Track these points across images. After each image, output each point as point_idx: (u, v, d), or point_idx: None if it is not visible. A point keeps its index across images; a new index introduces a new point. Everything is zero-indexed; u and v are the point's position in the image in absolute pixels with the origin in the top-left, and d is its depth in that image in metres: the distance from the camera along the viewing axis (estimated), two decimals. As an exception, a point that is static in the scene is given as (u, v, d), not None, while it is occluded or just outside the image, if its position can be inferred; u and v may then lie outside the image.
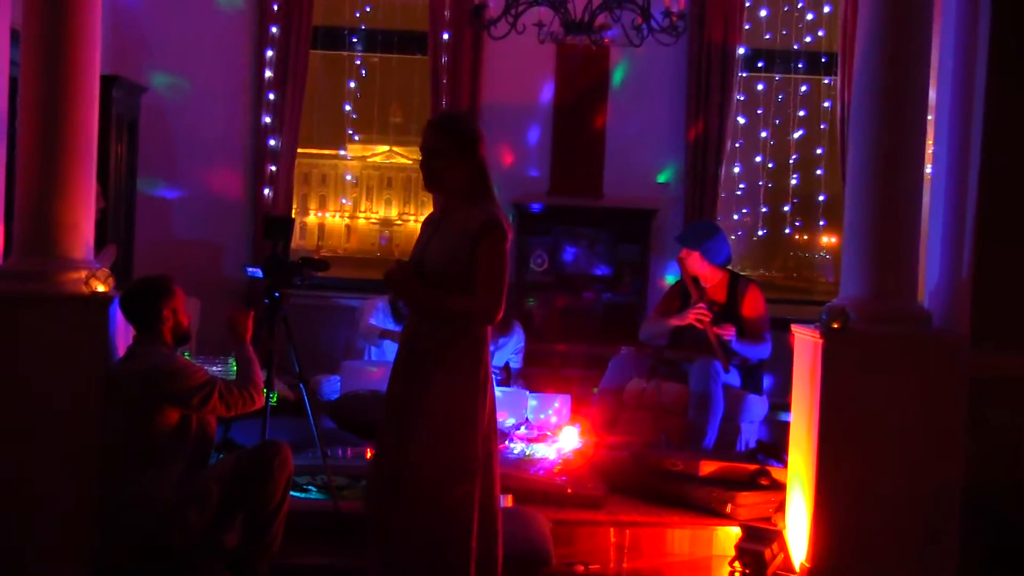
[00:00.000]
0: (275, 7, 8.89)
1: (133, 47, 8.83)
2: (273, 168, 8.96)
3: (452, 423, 4.22)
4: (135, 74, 8.60)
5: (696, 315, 6.88)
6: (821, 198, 9.32)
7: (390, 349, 8.00)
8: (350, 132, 9.77)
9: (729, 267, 7.24)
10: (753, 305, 7.01)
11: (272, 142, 8.95)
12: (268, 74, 8.93)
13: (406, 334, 4.44)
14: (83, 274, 4.87)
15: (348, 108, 9.44)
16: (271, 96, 8.94)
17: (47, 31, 4.89)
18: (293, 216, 9.28)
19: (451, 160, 4.32)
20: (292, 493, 5.03)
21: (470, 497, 4.21)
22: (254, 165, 9.00)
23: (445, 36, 8.90)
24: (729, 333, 6.83)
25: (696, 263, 7.07)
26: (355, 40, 9.24)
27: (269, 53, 8.92)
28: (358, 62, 9.35)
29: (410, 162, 12.07)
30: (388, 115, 10.17)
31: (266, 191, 8.95)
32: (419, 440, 4.21)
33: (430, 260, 4.33)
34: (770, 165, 9.35)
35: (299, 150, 9.18)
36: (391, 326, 7.85)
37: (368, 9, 9.25)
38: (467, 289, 4.25)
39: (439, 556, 4.19)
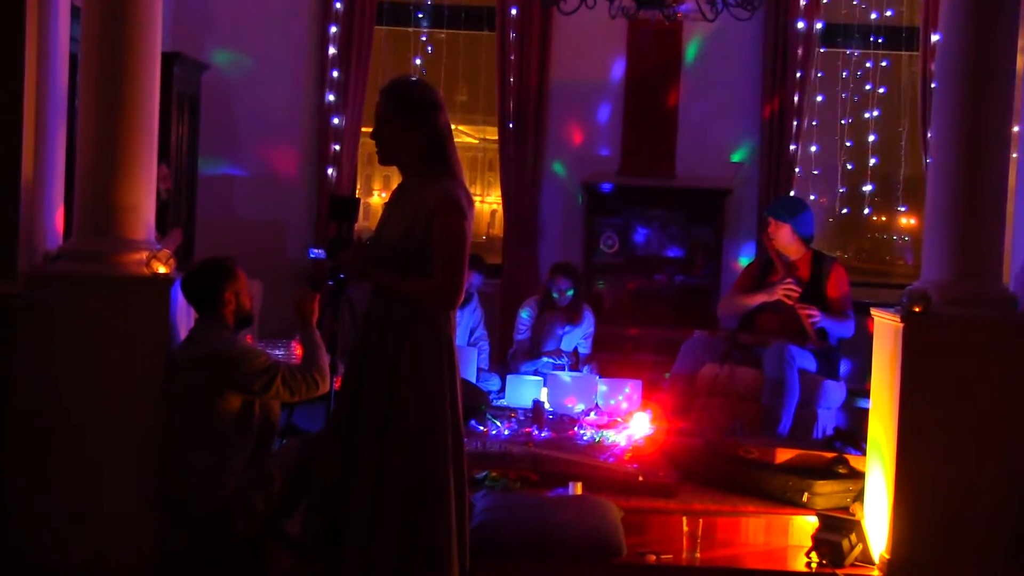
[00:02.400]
0: (339, -18, 8.82)
1: (194, 23, 8.80)
2: (337, 147, 8.90)
3: (416, 407, 4.05)
4: (196, 51, 8.56)
5: (785, 290, 6.82)
6: (901, 178, 9.13)
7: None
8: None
9: (812, 245, 7.15)
10: (838, 283, 6.94)
11: (336, 120, 8.88)
12: (332, 51, 8.85)
13: (366, 312, 4.25)
14: (144, 255, 4.85)
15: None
16: (335, 73, 8.86)
17: (108, 7, 4.85)
18: (357, 196, 9.23)
19: (401, 129, 4.11)
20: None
21: (444, 484, 4.05)
22: (317, 144, 8.94)
23: (513, 11, 8.83)
24: (816, 316, 6.76)
25: (785, 236, 7.00)
26: (421, 16, 9.16)
27: (333, 29, 8.84)
28: (424, 38, 9.27)
29: (476, 141, 11.99)
30: (454, 93, 10.04)
31: (330, 171, 8.89)
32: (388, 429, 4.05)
33: (387, 240, 4.15)
34: (848, 144, 9.21)
35: (363, 129, 9.10)
36: None
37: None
38: (425, 270, 4.06)
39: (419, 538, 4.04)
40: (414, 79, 4.31)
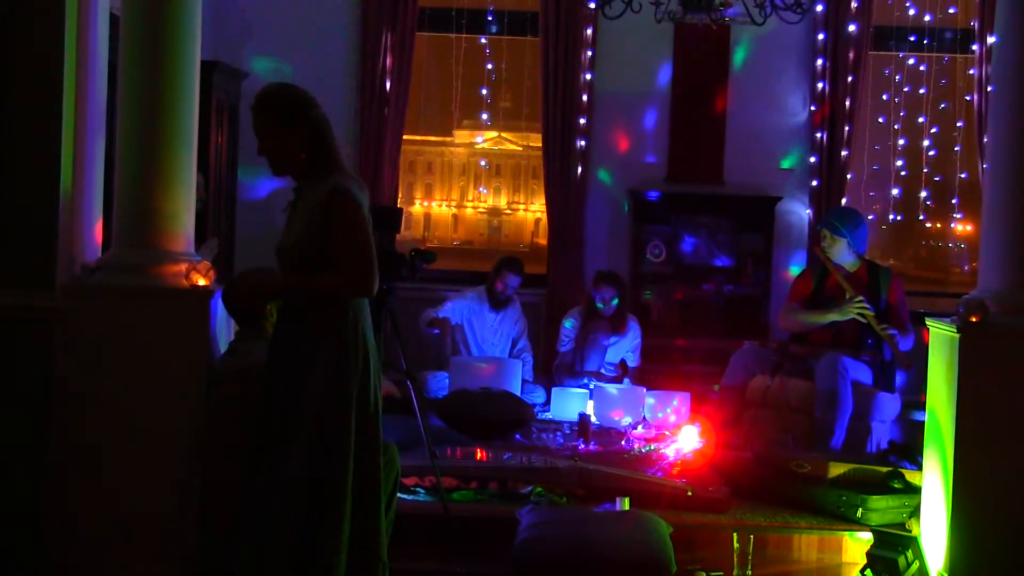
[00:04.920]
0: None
1: (234, 31, 8.83)
2: (378, 156, 8.86)
3: (321, 406, 4.00)
4: (235, 59, 8.60)
5: (858, 310, 6.71)
6: (956, 184, 9.03)
7: (487, 345, 7.96)
8: (457, 118, 9.64)
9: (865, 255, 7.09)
10: (897, 296, 6.86)
11: (377, 128, 8.85)
12: (372, 58, 8.83)
13: (274, 335, 4.21)
14: (183, 267, 4.82)
15: (455, 93, 9.29)
16: (375, 81, 8.82)
17: (147, 16, 4.83)
18: (400, 206, 9.19)
19: (282, 136, 4.08)
20: (400, 495, 4.93)
21: (340, 484, 4.00)
22: (359, 152, 8.90)
23: (557, 16, 8.76)
24: (896, 334, 6.68)
25: (840, 251, 6.89)
26: (463, 21, 9.12)
27: (374, 36, 8.81)
28: (466, 44, 9.24)
29: (520, 148, 11.98)
30: (497, 100, 10.01)
31: (371, 180, 8.82)
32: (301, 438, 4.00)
33: (287, 247, 4.12)
34: (901, 149, 9.12)
35: (405, 137, 9.09)
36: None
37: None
38: (329, 267, 4.02)
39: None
40: (277, 83, 4.25)
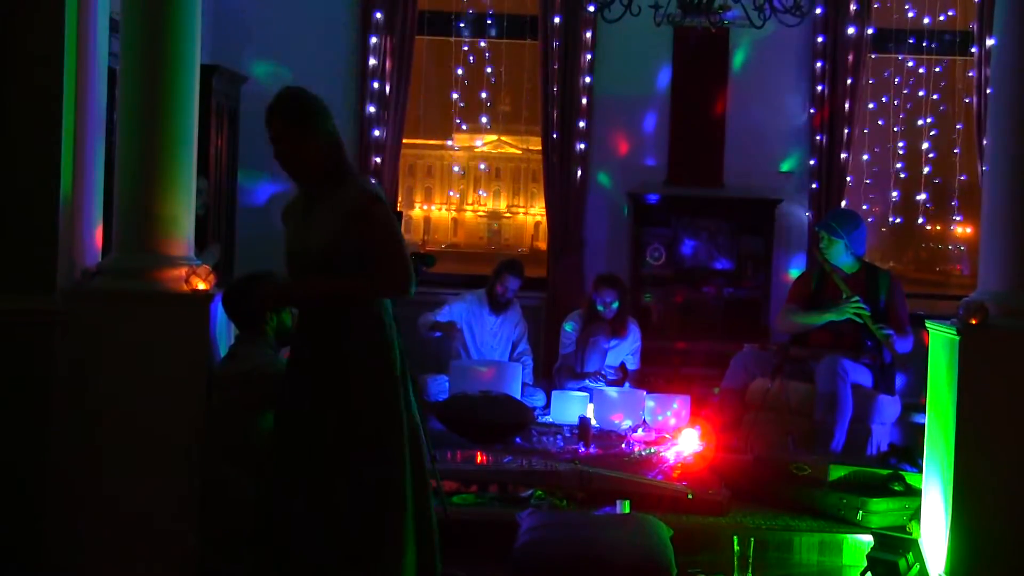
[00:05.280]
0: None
1: (233, 36, 8.83)
2: (378, 159, 8.87)
3: (370, 414, 4.06)
4: (235, 63, 8.59)
5: (855, 310, 6.72)
6: (956, 186, 9.03)
7: (487, 348, 7.95)
8: (457, 121, 9.64)
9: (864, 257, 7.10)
10: (896, 297, 6.87)
11: (377, 132, 8.85)
12: (372, 62, 8.82)
13: (296, 342, 4.23)
14: (183, 271, 4.82)
15: (455, 96, 9.31)
16: (375, 85, 8.83)
17: (147, 20, 4.85)
18: (399, 210, 9.18)
19: (301, 140, 4.10)
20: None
21: (400, 484, 4.06)
22: (358, 156, 8.88)
23: (556, 20, 8.78)
24: (892, 334, 6.70)
25: (838, 253, 6.90)
26: (462, 25, 9.13)
27: (374, 40, 8.82)
28: (465, 48, 9.26)
29: (519, 152, 11.96)
30: (497, 103, 10.02)
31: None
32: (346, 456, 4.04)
33: (309, 251, 4.11)
34: (901, 152, 9.13)
35: (404, 140, 9.10)
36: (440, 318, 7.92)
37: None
38: (358, 270, 4.07)
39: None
40: (294, 88, 4.25)
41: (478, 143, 12.88)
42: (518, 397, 7.31)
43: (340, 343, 4.06)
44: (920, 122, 9.07)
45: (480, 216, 13.47)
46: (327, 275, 4.07)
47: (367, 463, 4.03)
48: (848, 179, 8.86)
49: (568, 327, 7.96)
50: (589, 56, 8.82)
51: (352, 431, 4.02)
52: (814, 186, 8.82)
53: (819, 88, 8.82)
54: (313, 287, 4.12)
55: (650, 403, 7.27)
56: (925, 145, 9.05)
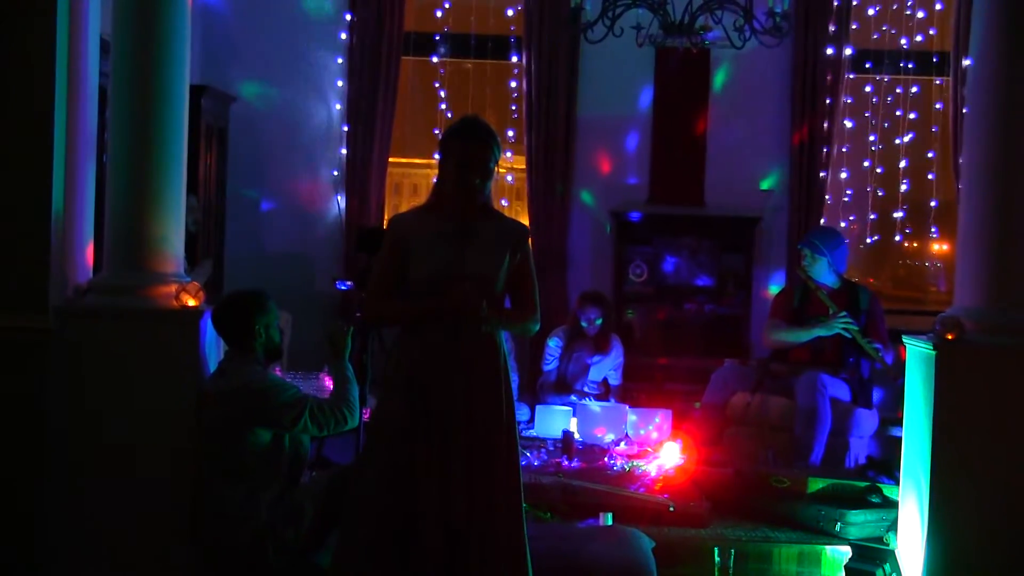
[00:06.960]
0: (366, 14, 8.85)
1: (222, 56, 8.87)
2: (364, 178, 8.90)
3: (509, 428, 4.26)
4: (224, 84, 8.64)
5: (843, 324, 6.74)
6: (933, 204, 9.08)
7: None
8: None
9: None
10: (876, 314, 6.90)
11: (363, 151, 8.89)
12: (359, 82, 8.89)
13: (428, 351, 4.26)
14: (173, 288, 4.85)
15: (440, 116, 9.35)
16: (362, 105, 8.88)
17: (137, 41, 4.89)
18: (386, 228, 9.20)
19: (492, 171, 4.24)
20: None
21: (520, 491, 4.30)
22: (345, 175, 8.94)
23: (540, 40, 8.82)
24: (880, 347, 6.75)
25: (821, 270, 6.93)
26: (447, 46, 9.15)
27: (360, 60, 8.89)
28: (450, 68, 9.28)
29: (503, 170, 11.95)
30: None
31: (357, 202, 8.91)
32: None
33: (479, 276, 4.18)
34: (879, 170, 9.18)
35: (391, 159, 9.15)
36: None
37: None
38: (512, 300, 4.29)
39: None
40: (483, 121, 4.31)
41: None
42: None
43: (495, 356, 4.23)
44: (897, 141, 9.11)
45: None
46: (492, 303, 4.17)
47: (517, 469, 4.26)
48: (827, 197, 8.92)
49: (552, 343, 7.98)
50: (572, 76, 8.86)
51: (497, 437, 4.20)
52: (794, 204, 8.88)
53: (799, 108, 8.87)
54: (501, 315, 4.24)
55: (632, 417, 7.26)
56: (903, 163, 9.09)
